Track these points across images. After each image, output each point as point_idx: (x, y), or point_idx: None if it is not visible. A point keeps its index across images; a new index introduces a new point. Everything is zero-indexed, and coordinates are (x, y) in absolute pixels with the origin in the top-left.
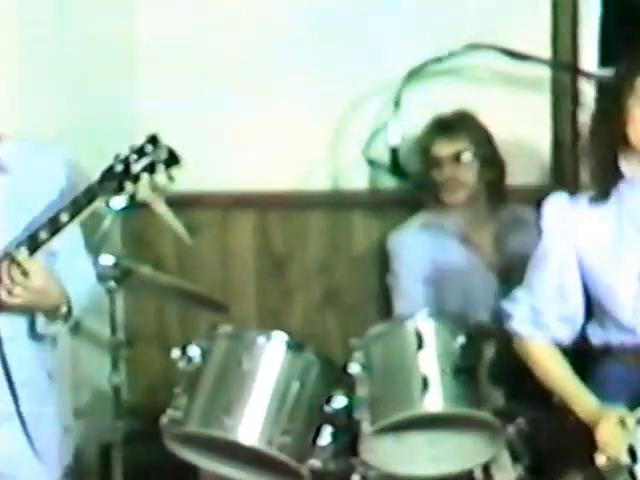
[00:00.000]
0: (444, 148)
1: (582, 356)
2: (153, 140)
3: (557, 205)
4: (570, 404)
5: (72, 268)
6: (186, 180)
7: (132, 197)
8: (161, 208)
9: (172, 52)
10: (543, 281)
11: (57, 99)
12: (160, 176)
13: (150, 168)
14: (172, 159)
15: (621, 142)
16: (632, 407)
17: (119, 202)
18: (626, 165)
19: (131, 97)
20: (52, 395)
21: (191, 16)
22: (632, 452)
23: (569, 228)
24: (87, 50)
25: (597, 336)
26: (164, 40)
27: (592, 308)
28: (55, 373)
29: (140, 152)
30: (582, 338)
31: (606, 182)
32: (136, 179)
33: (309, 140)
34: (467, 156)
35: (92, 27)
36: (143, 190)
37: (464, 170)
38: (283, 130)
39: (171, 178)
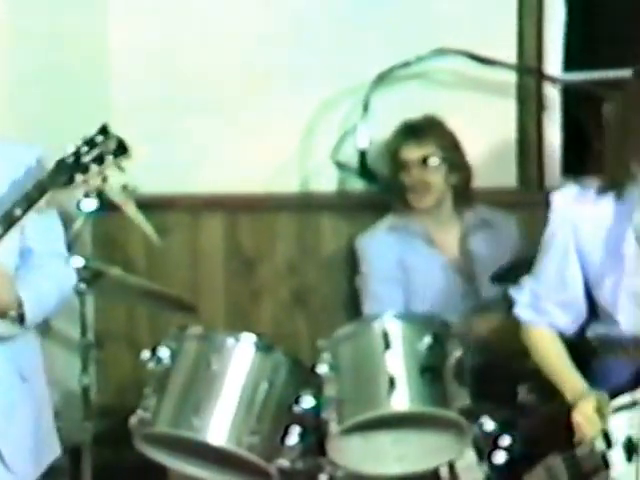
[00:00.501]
0: (412, 152)
1: (583, 352)
2: (103, 131)
3: (565, 197)
4: (558, 385)
5: (45, 269)
6: (156, 182)
7: (101, 197)
8: (131, 210)
9: (144, 55)
10: (545, 268)
11: (29, 102)
12: (109, 167)
13: (99, 159)
14: (121, 149)
15: (636, 149)
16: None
17: (90, 204)
18: (635, 166)
19: (103, 99)
20: (25, 396)
21: (164, 20)
22: (607, 438)
23: (573, 220)
24: (59, 52)
25: (592, 330)
26: (137, 43)
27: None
28: (30, 375)
29: (91, 143)
30: (583, 334)
31: (617, 180)
32: (85, 170)
33: (278, 143)
34: (435, 160)
35: (62, 28)
36: (93, 181)
37: (432, 174)
38: (252, 133)
39: (120, 168)
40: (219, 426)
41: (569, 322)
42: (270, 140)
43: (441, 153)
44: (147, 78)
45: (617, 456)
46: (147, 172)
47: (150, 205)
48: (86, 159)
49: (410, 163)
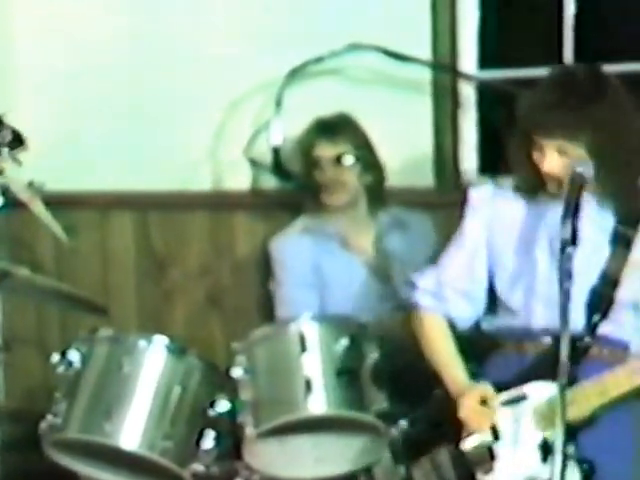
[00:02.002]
0: (326, 150)
1: (477, 345)
2: None
3: (482, 193)
4: (443, 378)
5: None
6: (65, 179)
7: (6, 194)
8: (38, 208)
9: (50, 52)
10: (454, 258)
11: None
12: (5, 159)
13: None
14: (16, 141)
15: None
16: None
17: None
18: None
19: (9, 96)
20: None
21: (67, 18)
22: (494, 430)
23: (488, 216)
24: None
25: (489, 323)
26: (42, 41)
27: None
28: None
29: None
30: (478, 327)
31: (532, 183)
32: None
33: (190, 139)
34: (349, 159)
35: None
36: None
37: (346, 173)
38: (163, 129)
39: (16, 160)
40: (131, 431)
41: (466, 313)
42: (182, 136)
43: (355, 152)
44: (53, 74)
45: (504, 449)
46: (55, 169)
47: (58, 203)
48: None
49: (324, 161)
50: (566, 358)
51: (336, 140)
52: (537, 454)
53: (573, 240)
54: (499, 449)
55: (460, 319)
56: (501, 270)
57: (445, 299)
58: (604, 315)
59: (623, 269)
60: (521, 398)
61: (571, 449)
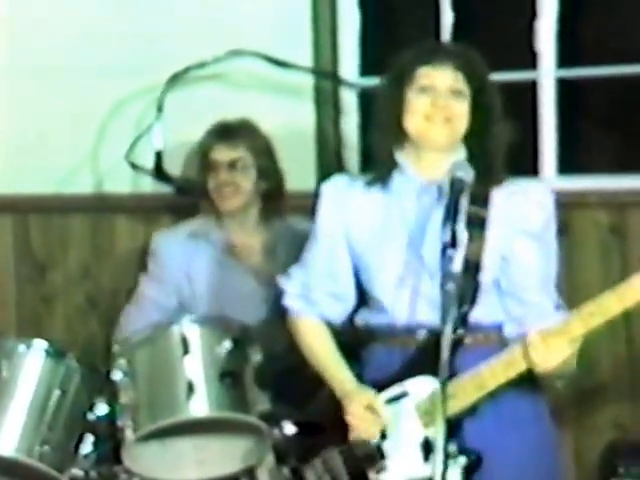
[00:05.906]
0: (222, 154)
1: (352, 340)
2: None
3: (334, 187)
4: (328, 381)
5: None
6: None
7: None
8: None
9: None
10: (315, 259)
11: None
12: None
13: None
14: None
15: (398, 132)
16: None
17: None
18: (401, 155)
19: None
20: None
21: None
22: (381, 430)
23: (342, 211)
24: None
25: (362, 319)
26: None
27: (363, 292)
28: None
29: None
30: (352, 322)
31: (383, 170)
32: None
33: (70, 142)
34: (244, 164)
35: None
36: None
37: (240, 177)
38: (43, 131)
39: None
40: (8, 436)
41: (339, 312)
42: (62, 139)
43: (252, 158)
44: None
45: (391, 447)
46: None
47: None
48: None
49: (218, 165)
50: (447, 358)
51: (233, 144)
52: (419, 453)
53: (453, 243)
54: (387, 447)
55: (333, 318)
56: (363, 265)
57: (315, 302)
58: (472, 300)
59: (482, 250)
60: (403, 395)
61: (453, 447)
